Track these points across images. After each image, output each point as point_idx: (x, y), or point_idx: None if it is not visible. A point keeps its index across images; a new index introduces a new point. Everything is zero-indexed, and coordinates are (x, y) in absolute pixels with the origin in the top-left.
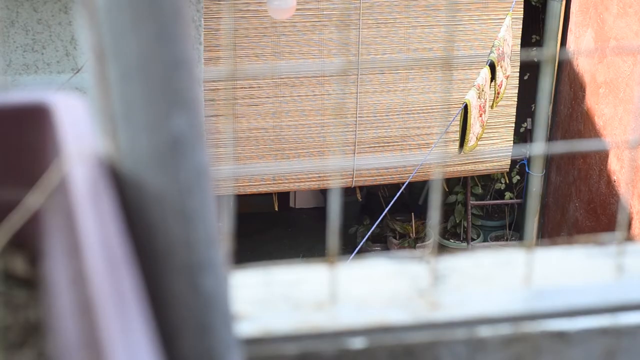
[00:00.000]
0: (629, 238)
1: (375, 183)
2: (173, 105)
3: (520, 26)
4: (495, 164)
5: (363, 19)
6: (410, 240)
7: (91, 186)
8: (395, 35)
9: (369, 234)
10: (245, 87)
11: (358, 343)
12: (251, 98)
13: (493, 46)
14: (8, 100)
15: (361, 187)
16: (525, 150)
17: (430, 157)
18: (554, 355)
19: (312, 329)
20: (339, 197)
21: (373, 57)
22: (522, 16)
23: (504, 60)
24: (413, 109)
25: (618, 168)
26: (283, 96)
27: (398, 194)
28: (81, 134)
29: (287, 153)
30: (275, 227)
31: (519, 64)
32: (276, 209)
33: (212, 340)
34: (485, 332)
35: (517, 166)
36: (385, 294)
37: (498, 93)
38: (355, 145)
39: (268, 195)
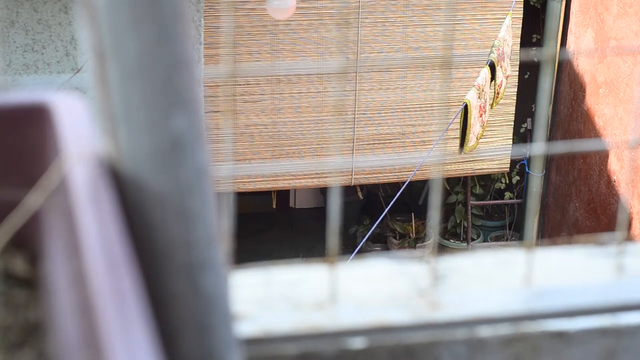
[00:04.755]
0: (629, 238)
1: (374, 181)
2: (173, 105)
3: (520, 26)
4: (495, 162)
5: (362, 18)
6: (410, 240)
7: (91, 186)
8: (394, 34)
9: (369, 234)
10: (244, 84)
11: (358, 343)
12: (250, 95)
13: (493, 46)
14: (8, 100)
15: (361, 187)
16: (525, 150)
17: (430, 157)
18: (554, 355)
19: (312, 329)
20: (339, 197)
21: (372, 55)
22: (522, 16)
23: (503, 61)
24: (411, 106)
25: (618, 168)
26: (282, 93)
27: (398, 193)
28: (81, 134)
29: (285, 150)
30: (275, 227)
31: (518, 63)
32: (274, 206)
33: (212, 340)
34: (485, 332)
35: (517, 166)
36: (385, 294)
37: (498, 93)
38: (353, 143)
39: (268, 196)
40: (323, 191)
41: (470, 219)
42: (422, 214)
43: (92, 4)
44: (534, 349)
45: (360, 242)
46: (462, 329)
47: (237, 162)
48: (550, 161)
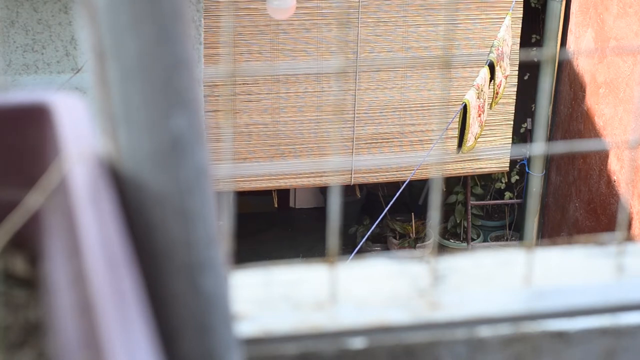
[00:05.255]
0: (629, 238)
1: (374, 181)
2: (173, 105)
3: (520, 26)
4: (494, 162)
5: (362, 18)
6: (410, 240)
7: (91, 186)
8: (394, 34)
9: (368, 234)
10: (243, 84)
11: (358, 343)
12: (250, 94)
13: (492, 46)
14: (8, 100)
15: (361, 187)
16: (525, 150)
17: (430, 157)
18: (554, 355)
19: (312, 329)
20: (339, 197)
21: (371, 55)
22: (521, 16)
23: (503, 60)
24: (410, 106)
25: (618, 168)
26: (281, 92)
27: (398, 193)
28: (81, 134)
29: (285, 149)
30: (275, 227)
31: (518, 63)
32: (276, 205)
33: (212, 340)
34: (485, 332)
35: (517, 166)
36: (385, 294)
37: (497, 93)
38: (353, 142)
39: (268, 196)
40: (323, 191)
41: (470, 219)
42: (422, 214)
43: (92, 4)
44: (534, 349)
45: (360, 242)
46: (462, 329)
47: (236, 161)
48: (550, 161)
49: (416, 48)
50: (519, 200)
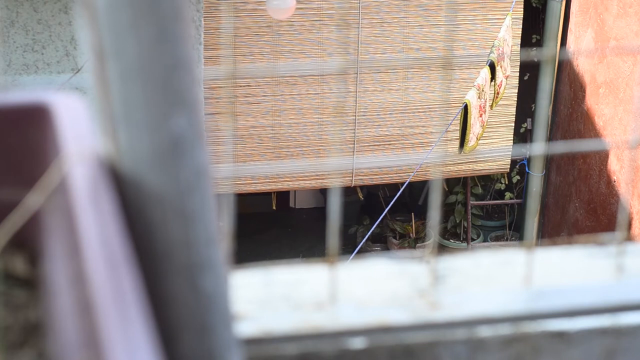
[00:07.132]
0: (629, 238)
1: (374, 182)
2: (173, 106)
3: (520, 26)
4: (495, 163)
5: (362, 19)
6: (410, 240)
7: (91, 186)
8: (395, 35)
9: (369, 234)
10: (244, 86)
11: (358, 343)
12: (250, 96)
13: (493, 46)
14: (8, 100)
15: (361, 187)
16: (525, 150)
17: (430, 157)
18: (554, 355)
19: (312, 329)
20: (339, 197)
21: (372, 56)
22: (522, 16)
23: (503, 61)
24: (412, 107)
25: (618, 168)
26: (282, 94)
27: (398, 194)
28: (81, 134)
29: (286, 151)
30: (275, 227)
31: (518, 64)
32: (274, 207)
33: (212, 340)
34: (485, 332)
35: (517, 166)
36: (385, 294)
37: (498, 93)
38: (354, 144)
39: (267, 196)
40: (323, 191)
41: (470, 219)
42: (422, 214)
43: (92, 4)
44: (534, 349)
45: (360, 242)
46: (462, 329)
47: (237, 163)
48: (550, 161)
49: (418, 49)
50: (519, 201)
